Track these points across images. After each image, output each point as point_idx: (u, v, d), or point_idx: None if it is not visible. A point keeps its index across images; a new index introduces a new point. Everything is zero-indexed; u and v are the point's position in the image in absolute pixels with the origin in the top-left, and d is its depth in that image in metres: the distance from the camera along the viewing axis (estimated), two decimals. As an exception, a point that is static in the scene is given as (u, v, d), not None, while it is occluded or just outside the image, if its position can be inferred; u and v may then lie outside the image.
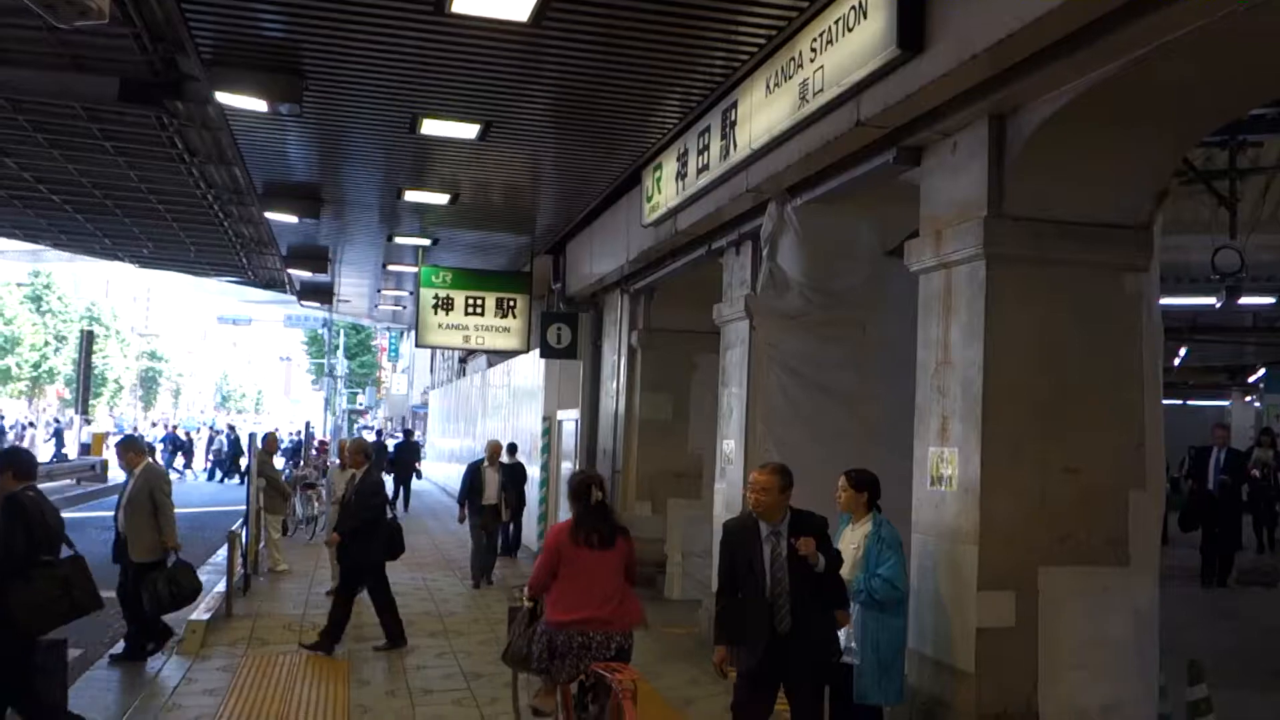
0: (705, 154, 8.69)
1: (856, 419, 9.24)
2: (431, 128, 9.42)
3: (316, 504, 18.14)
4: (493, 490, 13.20)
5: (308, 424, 27.57)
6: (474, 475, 13.19)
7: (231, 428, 38.74)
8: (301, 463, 21.71)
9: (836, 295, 9.08)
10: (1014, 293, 5.96)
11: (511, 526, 15.38)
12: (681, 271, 11.45)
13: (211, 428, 39.84)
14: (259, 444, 13.50)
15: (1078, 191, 6.03)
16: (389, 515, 9.69)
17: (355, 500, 9.40)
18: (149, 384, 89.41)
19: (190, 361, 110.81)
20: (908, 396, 9.31)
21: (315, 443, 25.24)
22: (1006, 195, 5.95)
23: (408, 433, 28.79)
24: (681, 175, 9.34)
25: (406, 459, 23.18)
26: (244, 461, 32.77)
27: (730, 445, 9.63)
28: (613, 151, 10.25)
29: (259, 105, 8.46)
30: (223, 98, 8.54)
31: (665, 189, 9.87)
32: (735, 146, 8.02)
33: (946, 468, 6.19)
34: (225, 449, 33.69)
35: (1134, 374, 6.12)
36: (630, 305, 13.07)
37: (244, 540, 11.82)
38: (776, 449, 9.07)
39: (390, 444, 26.47)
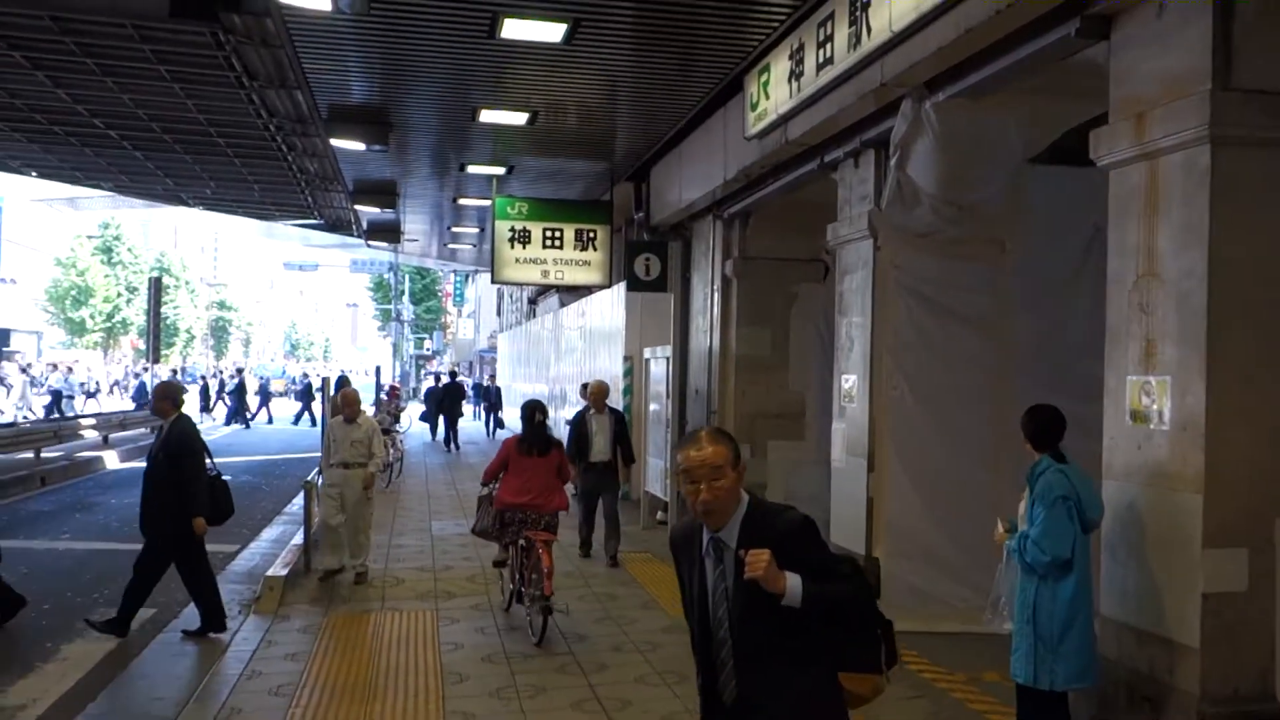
0: (828, 46, 7.58)
1: (994, 347, 8.23)
2: (513, 29, 8.42)
3: (393, 450, 17.54)
4: (603, 442, 10.55)
5: (377, 369, 27.00)
6: (579, 426, 10.58)
7: (239, 370, 38.73)
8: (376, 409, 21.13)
9: (972, 209, 8.00)
10: (1246, 184, 4.84)
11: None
12: (783, 191, 10.39)
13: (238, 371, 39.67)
14: (332, 389, 12.75)
15: (1323, 57, 4.88)
16: (211, 472, 7.68)
17: (162, 457, 7.42)
18: (220, 333, 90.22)
19: (259, 310, 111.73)
20: (1052, 322, 8.28)
21: (386, 388, 24.66)
22: (1236, 64, 4.82)
23: (452, 374, 30.30)
24: (796, 75, 8.23)
25: (453, 398, 24.86)
26: (252, 403, 32.94)
27: (851, 380, 8.62)
28: (711, 53, 9.17)
29: (323, 4, 7.51)
30: (283, -2, 7.61)
31: (775, 93, 8.77)
32: (869, 32, 6.91)
33: (1154, 400, 5.13)
34: (232, 392, 33.25)
35: (1392, 281, 4.99)
36: (724, 232, 12.03)
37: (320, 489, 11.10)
38: (907, 382, 8.09)
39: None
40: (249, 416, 32.64)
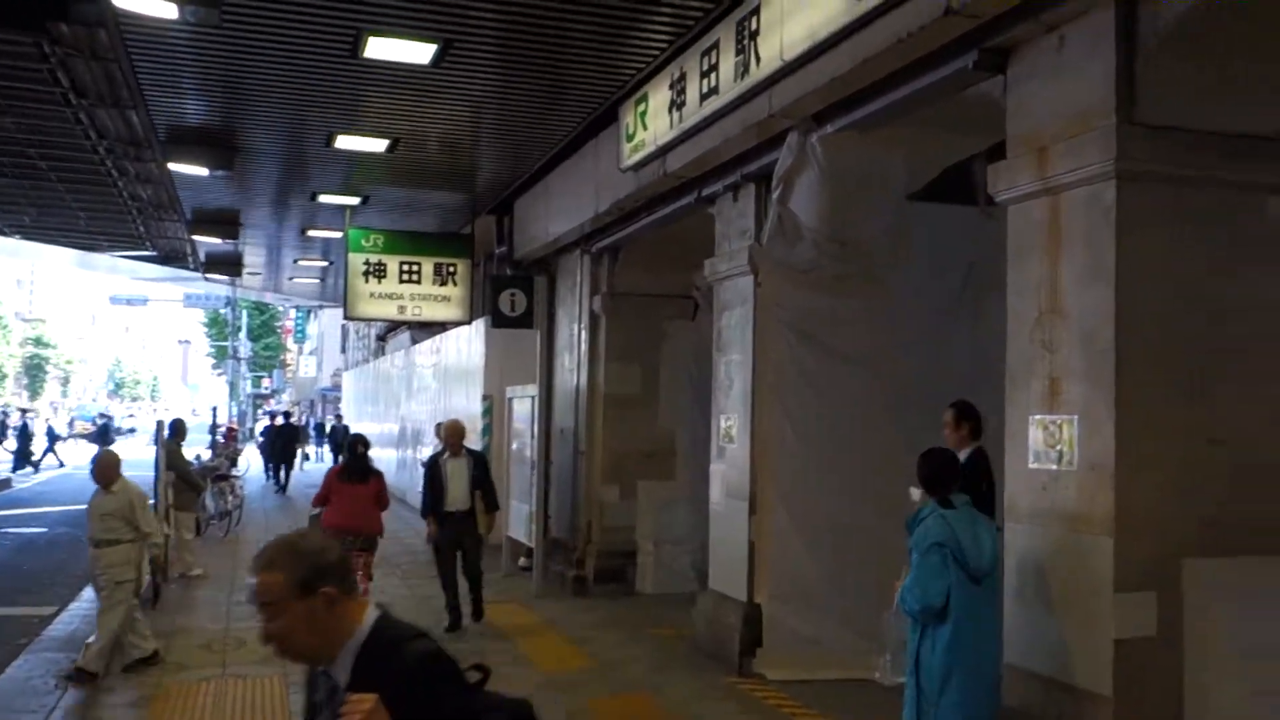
0: (713, 75, 7.36)
1: (876, 386, 8.11)
2: (378, 49, 7.91)
3: (230, 497, 16.49)
4: (461, 488, 9.49)
5: (214, 409, 25.61)
6: (433, 471, 9.58)
7: (24, 411, 36.75)
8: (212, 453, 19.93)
9: (855, 245, 7.90)
10: (1149, 220, 4.78)
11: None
12: (656, 226, 10.14)
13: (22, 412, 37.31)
14: (166, 432, 11.81)
15: (1215, 95, 4.88)
16: None
17: None
18: (34, 372, 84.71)
19: (80, 347, 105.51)
20: (930, 360, 8.23)
21: (223, 429, 23.36)
22: (1139, 99, 4.76)
23: (286, 414, 30.57)
24: (677, 105, 7.99)
25: (286, 440, 24.86)
26: (36, 449, 31.86)
27: (731, 420, 8.37)
28: (585, 82, 8.86)
29: (167, 11, 6.87)
30: (121, 2, 6.92)
31: (654, 124, 8.51)
32: (758, 61, 6.71)
33: (1059, 441, 5.00)
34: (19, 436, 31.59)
35: (1285, 320, 5.01)
36: (593, 267, 11.69)
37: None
38: (789, 422, 7.89)
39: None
40: (34, 460, 30.79)
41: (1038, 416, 5.13)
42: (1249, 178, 4.89)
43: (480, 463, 9.95)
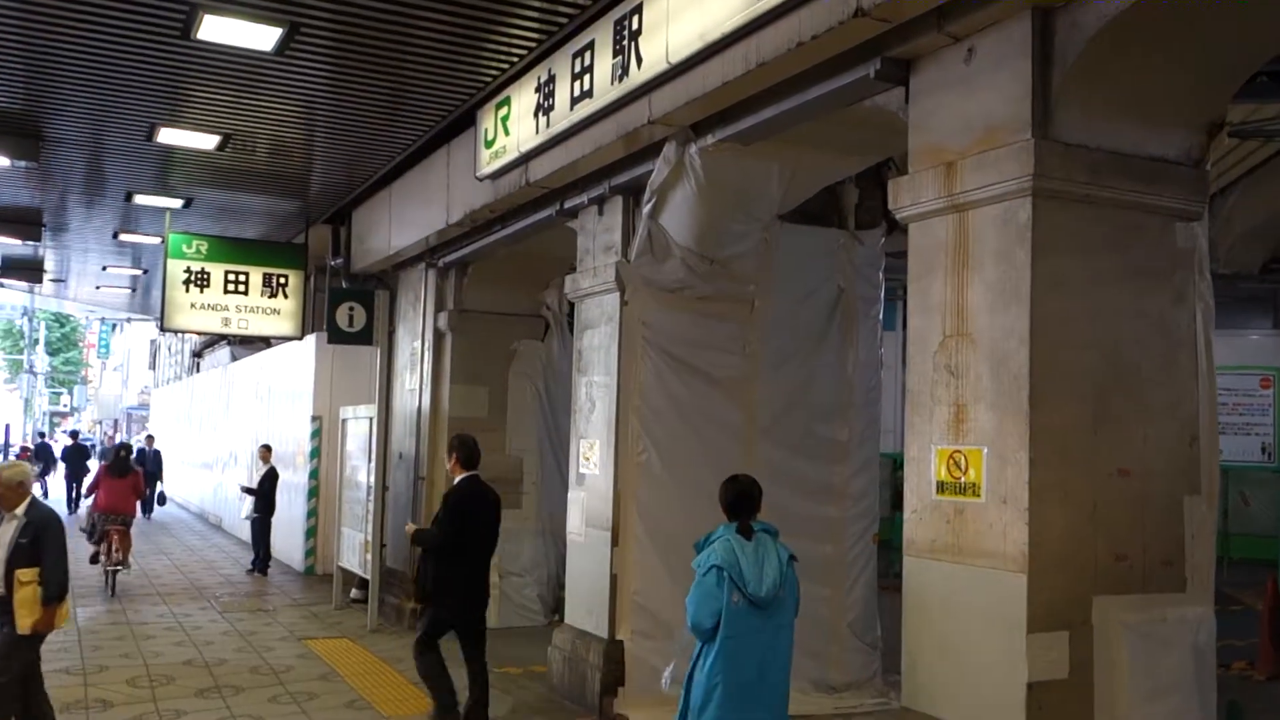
0: (586, 78, 6.90)
1: (743, 410, 7.81)
2: (214, 30, 7.12)
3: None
4: None
5: (6, 428, 23.43)
6: None
7: None
8: None
9: (725, 264, 7.63)
10: (1063, 240, 4.57)
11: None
12: (510, 240, 9.61)
13: None
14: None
15: (1126, 116, 4.74)
16: None
17: None
18: None
19: None
20: (797, 384, 7.99)
21: (18, 449, 21.37)
22: (1054, 115, 4.57)
23: (74, 434, 29.65)
24: (545, 109, 7.50)
25: (75, 461, 24.44)
26: None
27: (592, 446, 7.89)
28: (440, 83, 8.25)
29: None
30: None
31: (517, 129, 7.98)
32: (639, 64, 6.29)
33: (965, 471, 4.73)
34: None
35: (1188, 350, 4.90)
36: (438, 282, 11.04)
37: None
38: (655, 448, 7.49)
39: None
40: None
41: (941, 446, 4.86)
42: (1157, 201, 4.76)
43: (45, 524, 5.95)
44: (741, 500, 4.94)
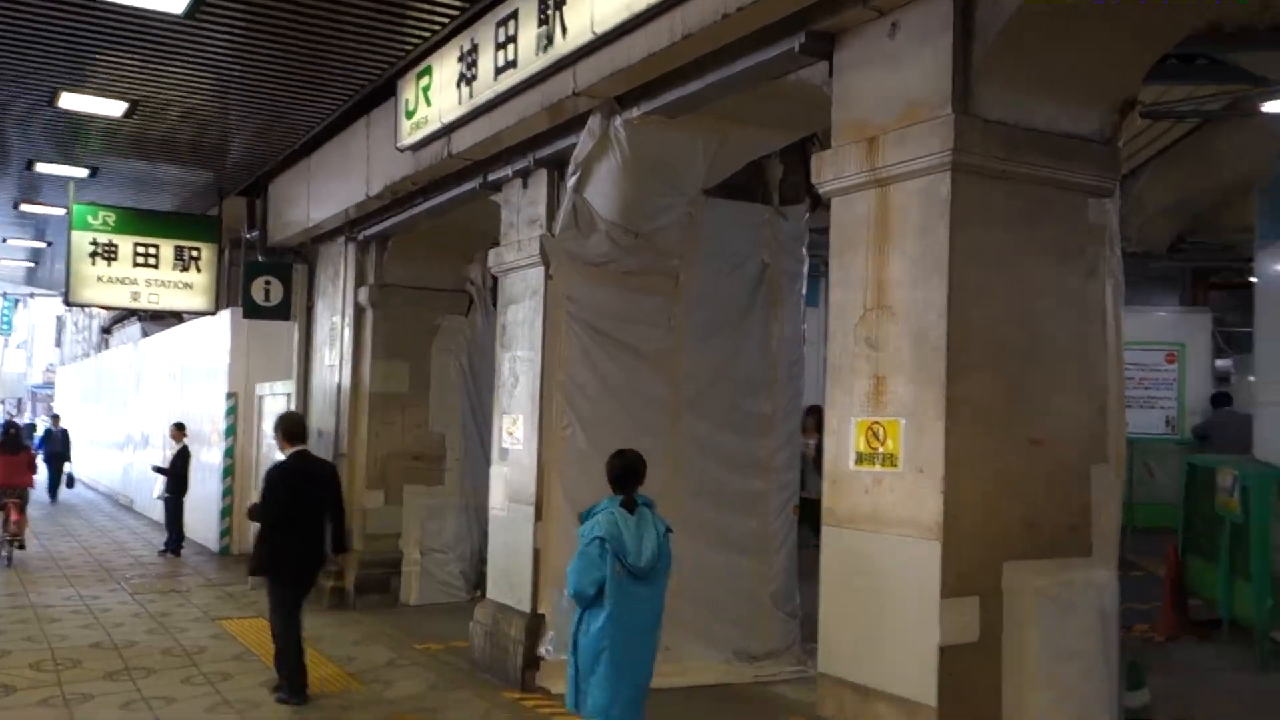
0: (510, 48, 6.83)
1: (668, 385, 7.84)
2: (123, -11, 6.91)
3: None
4: None
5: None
6: None
7: None
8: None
9: (650, 238, 7.63)
10: (981, 215, 4.66)
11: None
12: (433, 213, 9.49)
13: None
14: None
15: (1043, 94, 4.84)
16: None
17: None
18: None
19: None
20: (722, 358, 8.05)
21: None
22: (974, 92, 4.65)
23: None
24: (468, 80, 7.41)
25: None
26: None
27: (516, 422, 7.85)
28: (359, 51, 8.10)
29: None
30: None
31: (439, 100, 7.88)
32: (564, 33, 6.25)
33: (884, 442, 4.81)
34: None
35: (1098, 324, 5.04)
36: (358, 256, 10.86)
37: None
38: (579, 422, 7.49)
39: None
40: None
41: (861, 418, 4.93)
42: (1072, 177, 4.87)
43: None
44: (628, 474, 5.18)
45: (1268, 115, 8.92)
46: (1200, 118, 11.09)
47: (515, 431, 7.88)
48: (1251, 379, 11.91)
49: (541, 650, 6.75)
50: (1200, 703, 6.95)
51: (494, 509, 8.17)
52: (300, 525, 7.22)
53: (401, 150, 8.60)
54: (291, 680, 7.13)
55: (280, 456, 7.51)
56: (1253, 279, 10.97)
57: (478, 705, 7.07)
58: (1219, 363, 17.68)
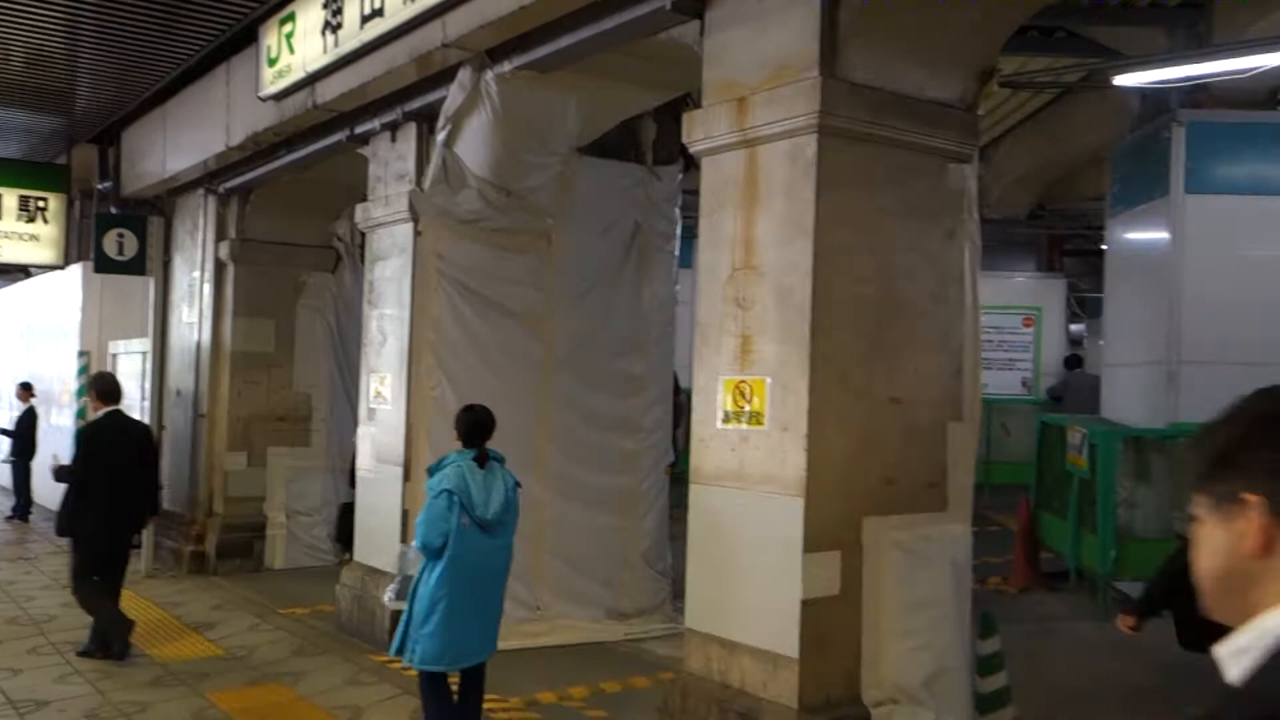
0: (376, -5, 6.63)
1: (540, 344, 7.80)
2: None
3: None
4: None
5: None
6: None
7: None
8: None
9: (521, 196, 7.54)
10: (845, 177, 4.73)
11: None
12: (298, 166, 9.19)
13: None
14: None
15: (906, 59, 4.93)
16: None
17: None
18: None
19: None
20: (594, 319, 8.04)
21: None
22: (841, 55, 4.69)
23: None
24: (333, 27, 7.16)
25: None
26: None
27: (384, 381, 7.71)
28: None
29: None
30: None
31: (302, 48, 7.60)
32: (433, -18, 6.09)
33: (750, 401, 4.87)
34: None
35: (956, 286, 5.18)
36: (219, 209, 10.45)
37: None
38: (449, 381, 7.40)
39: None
40: None
41: (728, 376, 4.98)
42: (933, 142, 4.98)
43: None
44: (477, 429, 5.23)
45: (1120, 88, 9.27)
46: (1058, 89, 11.49)
47: (383, 391, 7.73)
48: (1101, 342, 12.48)
49: (385, 599, 6.75)
50: (1046, 650, 7.30)
51: (361, 470, 8.02)
52: (112, 487, 7.05)
53: (263, 100, 8.29)
54: (107, 633, 7.02)
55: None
56: (1104, 246, 11.45)
57: (344, 669, 6.96)
58: (1073, 327, 18.49)
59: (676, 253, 8.43)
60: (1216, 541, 1.29)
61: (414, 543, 5.17)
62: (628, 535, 8.02)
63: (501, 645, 7.23)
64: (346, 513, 9.04)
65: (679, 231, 8.40)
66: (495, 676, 6.47)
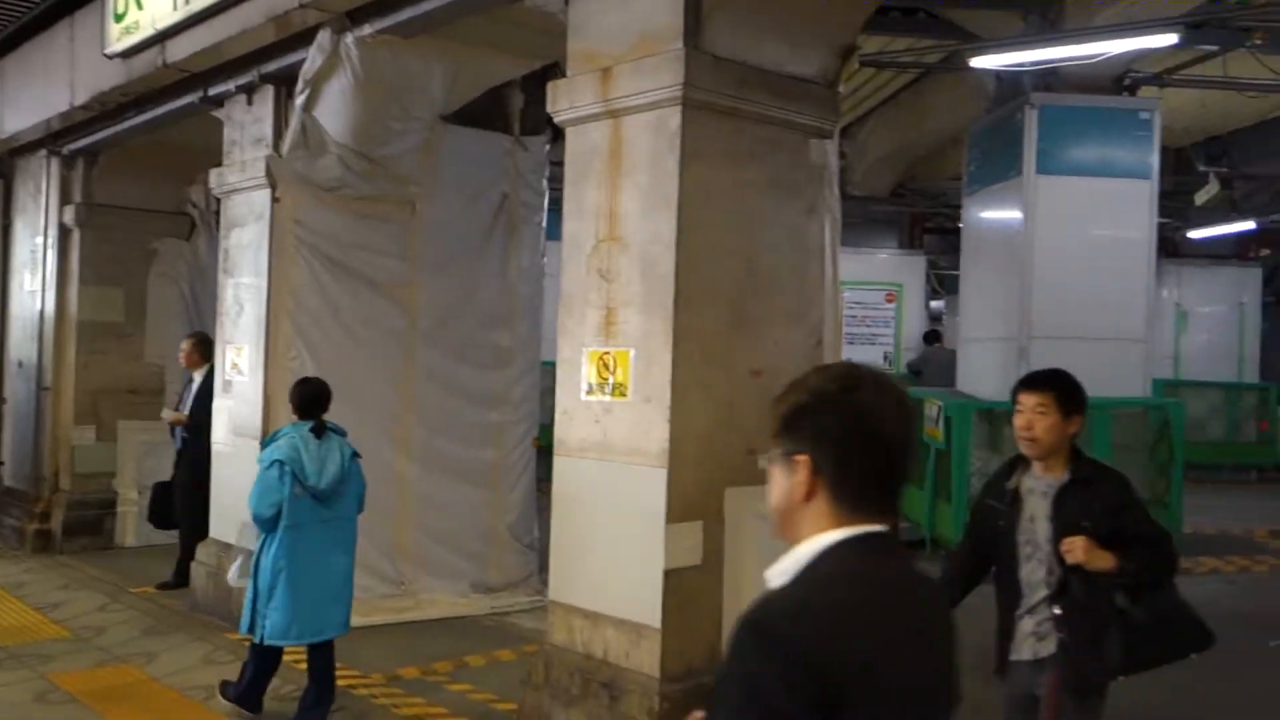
0: (230, -50, 6.36)
1: (405, 316, 7.68)
2: None
3: None
4: None
5: None
6: None
7: None
8: None
9: (385, 164, 7.39)
10: (709, 150, 4.75)
11: None
12: (149, 128, 8.78)
13: None
14: None
15: (769, 33, 4.97)
16: None
17: None
18: None
19: None
20: (460, 290, 7.95)
21: None
22: (704, 27, 4.70)
23: None
24: (184, -18, 6.85)
25: None
26: None
27: (240, 352, 7.46)
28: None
29: None
30: None
31: (152, 3, 7.24)
32: (290, -62, 5.86)
33: (614, 372, 4.88)
34: None
35: (817, 260, 5.27)
36: (63, 172, 9.91)
37: None
38: (309, 352, 7.23)
39: None
40: None
41: (592, 348, 4.97)
42: (795, 117, 5.04)
43: None
44: (312, 402, 5.29)
45: (977, 71, 9.56)
46: (919, 70, 11.78)
47: (240, 362, 7.49)
48: (958, 318, 12.91)
49: (228, 578, 6.61)
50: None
51: (218, 444, 7.76)
52: None
53: (110, 57, 7.88)
54: None
55: None
56: (960, 225, 11.83)
57: (199, 648, 6.75)
58: (933, 303, 19.08)
59: (544, 224, 8.38)
60: (780, 487, 1.69)
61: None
62: (494, 509, 7.98)
63: (365, 621, 7.19)
64: (163, 492, 8.54)
65: (546, 203, 8.33)
66: (358, 653, 6.40)
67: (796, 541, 1.65)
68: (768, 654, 1.49)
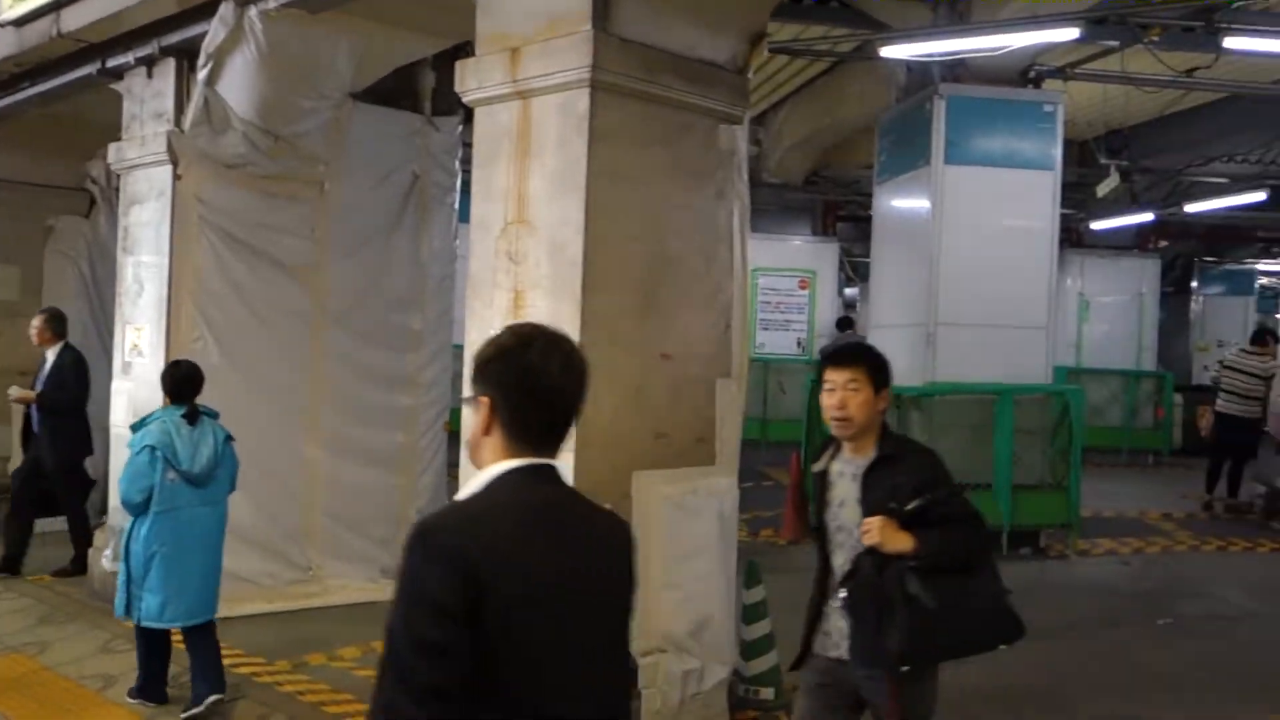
0: (127, -83, 6.16)
1: (312, 297, 7.56)
2: None
3: None
4: None
5: None
6: None
7: None
8: None
9: (291, 142, 7.25)
10: (618, 133, 4.74)
11: None
12: (44, 100, 8.49)
13: None
14: None
15: (682, 17, 4.98)
16: None
17: None
18: None
19: None
20: (370, 272, 7.84)
21: None
22: (613, 10, 4.69)
23: None
24: (79, -50, 6.62)
25: None
26: None
27: (140, 332, 7.27)
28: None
29: None
30: None
31: (45, -31, 7.00)
32: (191, -94, 5.70)
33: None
34: None
35: (726, 245, 5.30)
36: (-48, 145, 9.55)
37: None
38: (211, 333, 7.08)
39: None
40: None
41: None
42: (705, 103, 5.05)
43: None
44: (184, 385, 5.30)
45: (888, 60, 9.69)
46: (832, 58, 11.90)
47: (140, 343, 7.29)
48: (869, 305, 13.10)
49: (103, 562, 6.44)
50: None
51: (115, 426, 7.55)
52: None
53: (2, 26, 7.58)
54: None
55: None
56: (872, 213, 12.00)
57: (97, 636, 6.56)
58: (847, 291, 19.33)
59: (457, 206, 8.29)
60: (469, 423, 2.06)
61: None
62: (404, 493, 7.90)
63: (272, 608, 7.10)
64: (26, 481, 8.23)
65: (458, 184, 8.25)
66: (263, 640, 6.33)
67: (482, 468, 1.98)
68: (432, 555, 1.79)
